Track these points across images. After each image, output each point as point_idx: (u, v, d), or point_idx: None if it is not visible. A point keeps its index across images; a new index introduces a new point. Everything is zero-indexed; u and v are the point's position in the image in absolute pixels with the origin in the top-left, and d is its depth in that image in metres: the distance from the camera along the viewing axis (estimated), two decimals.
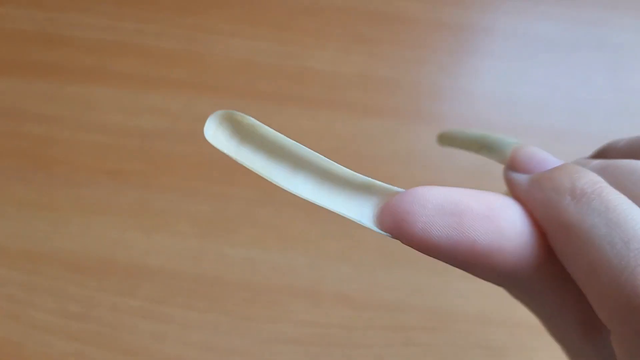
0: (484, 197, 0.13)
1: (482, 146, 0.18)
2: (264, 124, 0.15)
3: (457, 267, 0.13)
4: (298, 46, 0.40)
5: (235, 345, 0.30)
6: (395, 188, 0.14)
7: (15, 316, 0.31)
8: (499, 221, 0.13)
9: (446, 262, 0.13)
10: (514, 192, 0.15)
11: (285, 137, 0.14)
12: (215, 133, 0.14)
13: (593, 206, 0.12)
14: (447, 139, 0.20)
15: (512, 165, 0.15)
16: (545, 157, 0.15)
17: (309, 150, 0.14)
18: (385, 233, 0.13)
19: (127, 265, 0.32)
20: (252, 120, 0.14)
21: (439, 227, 0.13)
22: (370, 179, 0.14)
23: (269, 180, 0.14)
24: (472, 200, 0.13)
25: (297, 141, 0.15)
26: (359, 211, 0.14)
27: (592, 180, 0.13)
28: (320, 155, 0.14)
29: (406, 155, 0.36)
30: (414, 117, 0.38)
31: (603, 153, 0.17)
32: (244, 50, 0.40)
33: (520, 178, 0.15)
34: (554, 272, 0.13)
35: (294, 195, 0.14)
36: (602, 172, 0.14)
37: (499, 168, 0.16)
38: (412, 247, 0.13)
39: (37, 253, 0.33)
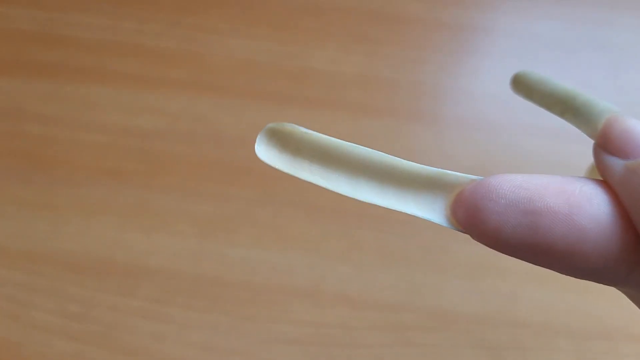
0: (565, 189, 0.12)
1: (567, 108, 0.15)
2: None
3: (536, 264, 0.12)
4: (298, 46, 0.40)
5: (235, 345, 0.30)
6: (469, 176, 0.12)
7: (15, 316, 0.31)
8: (581, 220, 0.11)
9: (525, 260, 0.12)
10: (605, 176, 0.13)
11: (338, 140, 0.13)
12: (267, 151, 0.13)
13: None
14: (524, 85, 0.17)
15: (604, 144, 0.13)
16: None
17: (367, 149, 0.13)
18: (459, 229, 0.12)
19: (127, 265, 0.32)
20: (301, 129, 0.13)
21: (512, 227, 0.11)
22: (439, 170, 0.13)
23: (333, 190, 0.13)
24: (550, 194, 0.11)
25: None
26: (431, 207, 0.13)
27: None
28: (380, 153, 0.13)
29: (406, 155, 0.36)
30: (414, 117, 0.38)
31: None
32: (243, 50, 0.40)
33: (614, 163, 0.13)
34: None
35: (347, 197, 0.13)
36: None
37: (505, 166, 0.15)
38: (484, 244, 0.12)
39: (37, 253, 0.33)
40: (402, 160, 0.13)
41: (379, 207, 0.13)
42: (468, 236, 0.12)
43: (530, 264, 0.34)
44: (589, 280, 0.12)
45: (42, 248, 0.33)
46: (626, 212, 0.12)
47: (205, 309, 0.31)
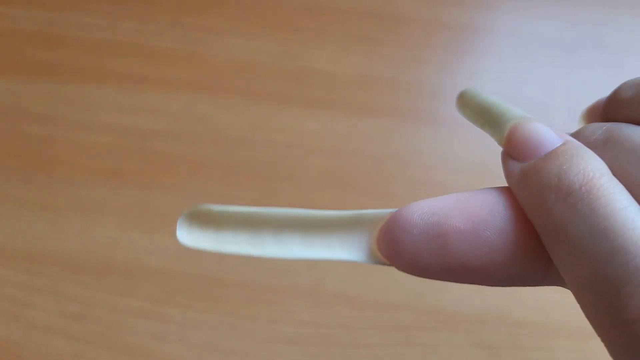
0: (469, 207, 0.12)
1: (485, 120, 0.15)
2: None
3: (458, 282, 0.12)
4: (298, 46, 0.40)
5: (235, 345, 0.30)
6: (387, 211, 0.13)
7: (16, 316, 0.31)
8: (486, 235, 0.12)
9: (450, 281, 0.12)
10: (509, 182, 0.13)
11: (255, 208, 0.14)
12: (189, 233, 0.13)
13: (578, 208, 0.11)
14: (463, 102, 0.17)
15: (507, 149, 0.13)
16: (543, 139, 0.13)
17: (286, 209, 0.14)
18: (385, 263, 0.13)
19: (127, 265, 0.32)
20: (217, 206, 0.14)
21: (427, 253, 0.12)
22: (358, 211, 0.13)
23: (260, 255, 0.13)
24: (456, 214, 0.12)
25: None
26: (357, 247, 0.13)
27: (584, 171, 0.11)
28: (299, 209, 0.14)
29: (406, 155, 0.36)
30: (414, 117, 0.38)
31: (612, 105, 0.14)
32: (243, 50, 0.40)
33: (513, 168, 0.13)
34: (554, 270, 0.12)
35: (287, 259, 0.14)
36: (604, 148, 0.12)
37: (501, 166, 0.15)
38: (408, 273, 0.12)
39: (37, 253, 0.33)
40: (321, 210, 0.13)
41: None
42: None
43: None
44: (515, 286, 0.13)
45: (43, 248, 0.33)
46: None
47: (205, 308, 0.31)
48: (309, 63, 0.40)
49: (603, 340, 0.11)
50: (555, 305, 0.31)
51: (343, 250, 0.13)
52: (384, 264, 0.13)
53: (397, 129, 0.37)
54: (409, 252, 0.12)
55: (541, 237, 0.12)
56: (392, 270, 0.33)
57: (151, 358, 0.30)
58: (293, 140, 0.36)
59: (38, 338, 0.30)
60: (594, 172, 0.11)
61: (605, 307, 0.10)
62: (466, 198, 0.12)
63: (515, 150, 0.13)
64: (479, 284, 0.12)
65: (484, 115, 0.15)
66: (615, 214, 0.11)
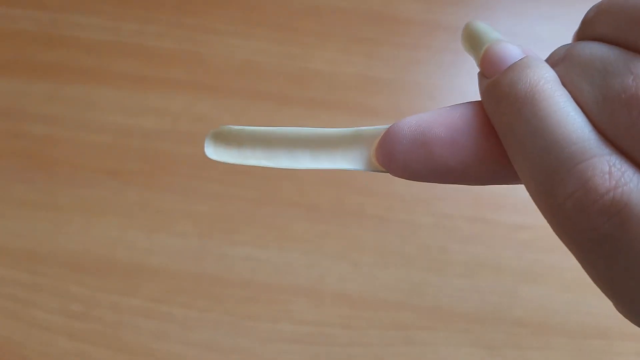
0: (449, 118, 0.14)
1: (470, 45, 0.17)
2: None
3: (447, 182, 0.14)
4: (298, 47, 0.40)
5: (235, 344, 0.30)
6: (380, 127, 0.15)
7: (17, 316, 0.31)
8: (462, 141, 0.14)
9: (440, 182, 0.14)
10: (481, 99, 0.15)
11: (269, 127, 0.16)
12: (216, 150, 0.16)
13: (522, 113, 0.13)
14: (464, 33, 0.18)
15: (481, 69, 0.15)
16: (506, 56, 0.14)
17: (296, 128, 0.16)
18: (382, 170, 0.15)
19: (128, 264, 0.32)
20: (236, 127, 0.16)
21: (416, 160, 0.14)
22: (356, 128, 0.16)
23: (276, 167, 0.16)
24: (437, 125, 0.14)
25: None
26: (358, 159, 0.15)
27: (531, 82, 0.13)
28: (307, 128, 0.16)
29: None
30: None
31: (581, 27, 0.15)
32: (244, 51, 0.40)
33: (482, 84, 0.15)
34: None
35: (303, 170, 0.16)
36: (561, 64, 0.14)
37: None
38: (401, 177, 0.15)
39: (39, 253, 0.33)
40: (327, 128, 0.16)
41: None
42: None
43: (527, 264, 0.34)
44: (492, 184, 0.15)
45: (44, 248, 0.33)
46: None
47: (206, 308, 0.31)
48: (309, 64, 0.40)
49: (546, 218, 0.13)
50: (555, 305, 0.31)
51: (346, 161, 0.15)
52: (380, 171, 0.15)
53: None
54: (401, 159, 0.14)
55: (502, 142, 0.14)
56: (392, 270, 0.33)
57: (152, 357, 0.30)
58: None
59: (39, 337, 0.31)
60: (538, 80, 0.13)
61: (542, 193, 0.12)
62: (447, 111, 0.14)
63: (484, 68, 0.15)
64: (461, 184, 0.14)
65: (470, 41, 0.17)
66: (552, 115, 0.12)
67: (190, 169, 0.35)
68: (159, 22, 0.41)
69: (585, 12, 0.15)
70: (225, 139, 0.16)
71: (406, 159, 0.14)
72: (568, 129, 0.12)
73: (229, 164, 0.16)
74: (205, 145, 0.16)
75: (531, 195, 0.13)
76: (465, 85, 0.39)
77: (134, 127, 0.37)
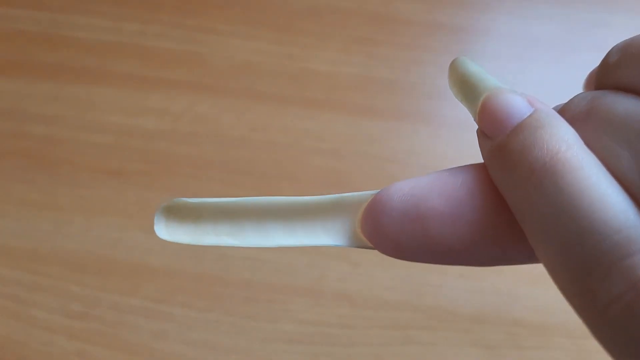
0: (448, 187, 0.11)
1: (463, 95, 0.14)
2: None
3: (444, 264, 0.12)
4: (298, 47, 0.40)
5: (235, 344, 0.31)
6: (366, 193, 0.13)
7: (18, 315, 0.31)
8: (465, 216, 0.11)
9: (436, 263, 0.12)
10: (484, 160, 0.12)
11: (234, 198, 0.13)
12: (167, 228, 0.13)
13: (543, 187, 0.10)
14: (450, 74, 0.16)
15: (480, 126, 0.12)
16: (510, 111, 0.11)
17: (263, 198, 0.13)
18: (368, 246, 0.12)
19: (129, 264, 0.32)
20: (193, 199, 0.13)
21: (408, 236, 0.12)
22: (337, 195, 0.13)
23: (242, 245, 0.13)
24: (434, 196, 0.11)
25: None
26: (340, 232, 0.13)
27: (550, 148, 0.10)
28: (279, 197, 0.13)
29: (405, 155, 0.36)
30: (414, 117, 0.38)
31: (602, 72, 0.13)
32: (244, 51, 0.40)
33: (484, 146, 0.12)
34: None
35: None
36: (587, 119, 0.11)
37: None
38: (390, 256, 0.12)
39: (40, 253, 0.33)
40: (302, 197, 0.13)
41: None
42: None
43: (528, 265, 0.34)
44: (501, 265, 0.12)
45: (45, 248, 0.33)
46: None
47: (206, 308, 0.31)
48: (310, 64, 0.40)
49: (581, 318, 0.10)
50: (555, 305, 0.31)
51: (326, 234, 0.13)
52: (367, 247, 0.13)
53: (397, 130, 0.37)
54: (391, 235, 0.12)
55: (517, 219, 0.11)
56: (392, 270, 0.34)
57: (152, 357, 0.30)
58: (293, 140, 0.36)
59: (40, 337, 0.31)
60: (559, 144, 0.10)
61: (578, 289, 0.10)
62: (445, 177, 0.12)
63: (485, 126, 0.12)
64: (463, 265, 0.12)
65: (462, 89, 0.14)
66: (583, 191, 0.10)
67: (190, 169, 0.36)
68: (159, 23, 0.41)
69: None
70: (179, 213, 0.13)
71: (397, 235, 0.12)
72: (607, 212, 0.09)
73: (183, 244, 0.13)
74: (155, 221, 0.13)
75: (561, 289, 0.10)
76: None
77: (135, 127, 0.37)
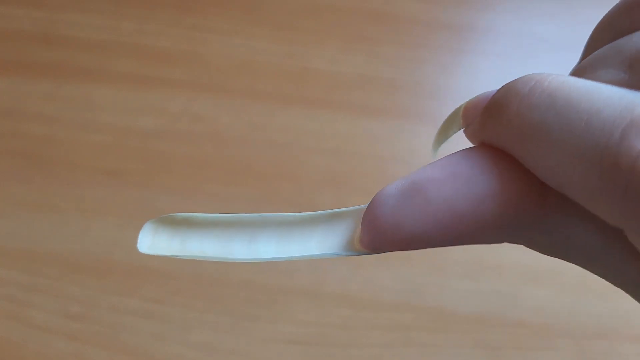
0: (443, 160, 0.12)
1: (447, 132, 0.15)
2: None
3: (456, 243, 0.11)
4: (298, 46, 0.40)
5: (235, 345, 0.30)
6: (362, 206, 0.12)
7: (15, 316, 0.31)
8: (468, 173, 0.11)
9: (445, 244, 0.11)
10: (474, 143, 0.13)
11: (222, 214, 0.13)
12: (153, 243, 0.13)
13: (536, 104, 0.10)
14: (436, 141, 0.17)
15: (465, 122, 0.14)
16: (488, 95, 0.13)
17: (256, 214, 0.13)
18: (369, 251, 0.12)
19: (127, 265, 0.32)
20: (182, 214, 0.13)
21: (409, 215, 0.11)
22: (334, 210, 0.13)
23: (229, 259, 0.12)
24: (429, 170, 0.11)
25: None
26: (337, 241, 0.12)
27: (526, 80, 0.11)
28: (273, 214, 0.13)
29: (406, 155, 0.36)
30: (414, 117, 0.38)
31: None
32: (243, 50, 0.40)
33: (472, 127, 0.13)
34: (552, 201, 0.11)
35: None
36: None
37: None
38: (401, 249, 0.12)
39: (37, 253, 0.33)
40: (296, 213, 0.13)
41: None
42: None
43: (529, 265, 0.34)
44: (517, 231, 0.12)
45: (43, 248, 0.33)
46: (504, 155, 0.11)
47: (206, 309, 0.31)
48: (309, 63, 0.40)
49: (607, 216, 0.10)
50: (557, 306, 0.31)
51: (320, 243, 0.12)
52: (365, 253, 0.12)
53: (397, 129, 0.37)
54: (390, 221, 0.11)
55: (522, 160, 0.11)
56: (393, 270, 0.33)
57: (151, 358, 0.30)
58: (293, 140, 0.36)
59: (38, 338, 0.30)
60: (541, 75, 0.11)
61: (596, 168, 0.09)
62: (440, 160, 0.12)
63: (469, 115, 0.13)
64: (478, 238, 0.11)
65: (443, 130, 0.15)
66: (573, 86, 0.10)
67: (189, 169, 0.35)
68: (158, 21, 0.41)
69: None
70: (168, 227, 0.13)
71: (397, 219, 0.11)
72: (606, 91, 0.10)
73: (169, 256, 0.13)
74: (141, 238, 0.13)
75: (576, 192, 0.10)
76: (467, 85, 0.39)
77: (133, 127, 0.37)
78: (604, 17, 0.13)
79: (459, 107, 0.14)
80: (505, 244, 0.33)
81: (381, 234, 0.11)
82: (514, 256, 0.33)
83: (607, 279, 0.12)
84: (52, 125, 0.37)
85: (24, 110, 0.38)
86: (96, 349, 0.30)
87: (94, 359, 0.30)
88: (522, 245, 0.34)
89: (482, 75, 0.40)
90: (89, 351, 0.30)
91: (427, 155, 0.36)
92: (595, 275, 0.22)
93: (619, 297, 0.31)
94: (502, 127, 0.11)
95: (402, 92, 0.39)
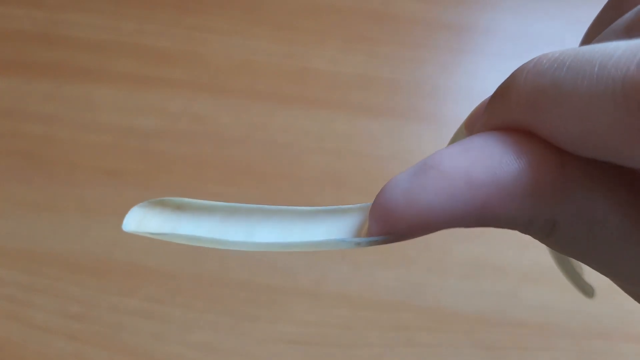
0: (453, 145, 0.11)
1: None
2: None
3: (473, 221, 0.11)
4: (298, 46, 0.40)
5: (235, 345, 0.30)
6: (369, 203, 0.12)
7: (15, 316, 0.31)
8: (481, 144, 0.11)
9: (463, 223, 0.11)
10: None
11: (220, 202, 0.12)
12: (142, 222, 0.12)
13: (543, 70, 0.10)
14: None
15: (469, 131, 0.13)
16: (486, 101, 0.13)
17: (256, 205, 0.12)
18: (379, 238, 0.11)
19: (127, 265, 0.32)
20: (180, 199, 0.12)
21: (424, 191, 0.11)
22: (339, 206, 0.12)
23: (224, 246, 0.11)
24: (440, 151, 0.11)
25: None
26: (343, 233, 0.12)
27: (529, 60, 0.11)
28: (270, 206, 0.12)
29: (406, 155, 0.36)
30: (414, 117, 0.38)
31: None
32: (243, 50, 0.40)
33: (478, 125, 0.13)
34: (571, 172, 0.11)
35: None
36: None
37: None
38: (416, 231, 0.11)
39: (37, 253, 0.33)
40: (300, 207, 0.12)
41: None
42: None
43: (529, 265, 0.34)
44: (531, 228, 0.11)
45: (43, 248, 0.33)
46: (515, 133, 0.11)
47: (206, 309, 0.31)
48: (309, 63, 0.40)
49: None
50: (557, 306, 0.31)
51: (326, 228, 0.12)
52: (372, 241, 0.11)
53: (397, 129, 0.37)
54: (403, 200, 0.11)
55: (539, 130, 0.11)
56: (393, 270, 0.33)
57: (151, 358, 0.30)
58: (293, 140, 0.36)
59: (38, 338, 0.30)
60: (548, 54, 0.11)
61: (624, 103, 0.09)
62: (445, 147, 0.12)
63: (473, 120, 0.13)
64: (495, 212, 0.11)
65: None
66: (581, 50, 0.10)
67: (189, 169, 0.35)
68: (158, 21, 0.41)
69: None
70: (160, 209, 0.12)
71: (411, 194, 0.11)
72: (613, 43, 0.10)
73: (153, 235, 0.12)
74: (128, 216, 0.12)
75: (604, 142, 0.10)
76: (467, 85, 0.39)
77: (133, 127, 0.37)
78: (597, 15, 0.13)
79: (461, 124, 0.14)
80: (505, 244, 0.33)
81: (394, 215, 0.11)
82: (514, 256, 0.33)
83: (627, 282, 0.12)
84: (52, 125, 0.37)
85: (24, 110, 0.38)
86: (96, 349, 0.30)
87: (94, 359, 0.30)
88: (523, 246, 0.34)
89: (482, 75, 0.40)
90: (89, 351, 0.30)
91: (426, 155, 0.36)
92: (595, 276, 0.22)
93: (619, 297, 0.31)
94: (511, 103, 0.11)
95: (402, 92, 0.39)
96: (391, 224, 0.11)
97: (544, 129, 0.11)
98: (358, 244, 0.11)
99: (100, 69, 0.39)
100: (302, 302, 0.31)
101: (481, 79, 0.40)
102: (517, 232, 0.12)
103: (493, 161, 0.10)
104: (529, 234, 0.12)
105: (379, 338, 0.31)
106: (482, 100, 0.14)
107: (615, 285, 0.13)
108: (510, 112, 0.11)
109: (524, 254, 0.33)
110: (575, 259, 0.12)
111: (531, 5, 0.43)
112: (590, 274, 0.21)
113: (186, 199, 0.12)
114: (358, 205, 0.12)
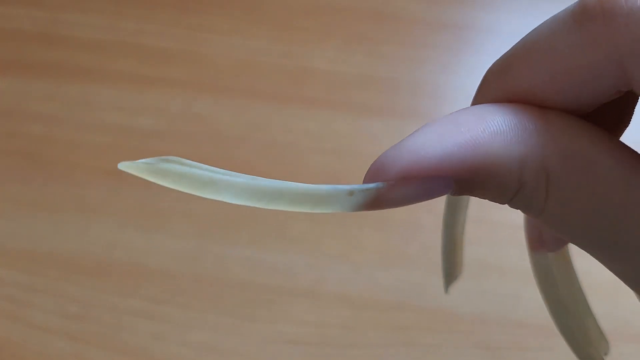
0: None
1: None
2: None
3: (465, 172, 0.11)
4: (298, 46, 0.40)
5: (235, 345, 0.30)
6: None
7: (15, 316, 0.31)
8: (471, 108, 0.12)
9: (452, 172, 0.11)
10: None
11: (220, 169, 0.12)
12: (137, 163, 0.12)
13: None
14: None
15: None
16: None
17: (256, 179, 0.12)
18: (373, 186, 0.11)
19: (127, 265, 0.32)
20: (180, 159, 0.12)
21: (413, 136, 0.11)
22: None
23: (212, 195, 0.12)
24: (450, 114, 0.12)
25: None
26: (335, 201, 0.11)
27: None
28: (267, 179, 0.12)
29: None
30: (414, 117, 0.38)
31: None
32: (243, 50, 0.40)
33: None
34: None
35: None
36: None
37: None
38: (408, 177, 0.11)
39: (36, 253, 0.33)
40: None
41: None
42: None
43: (528, 265, 0.34)
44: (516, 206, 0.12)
45: (42, 248, 0.33)
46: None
47: (205, 309, 0.31)
48: (310, 63, 0.40)
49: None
50: None
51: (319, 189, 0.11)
52: (367, 202, 0.11)
53: (397, 129, 0.37)
54: (393, 150, 0.11)
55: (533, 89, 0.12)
56: (393, 270, 0.33)
57: (151, 358, 0.30)
58: (293, 140, 0.36)
59: (37, 338, 0.30)
60: None
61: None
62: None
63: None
64: (490, 171, 0.11)
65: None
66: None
67: None
68: (158, 21, 0.41)
69: None
70: (162, 161, 0.12)
71: (401, 142, 0.11)
72: None
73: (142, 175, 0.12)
74: (124, 163, 0.12)
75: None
76: (468, 85, 0.39)
77: (133, 127, 0.37)
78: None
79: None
80: (506, 245, 0.33)
81: (386, 160, 0.11)
82: (515, 256, 0.33)
83: (623, 253, 0.12)
84: (52, 125, 0.37)
85: (24, 110, 0.38)
86: (96, 349, 0.30)
87: (94, 359, 0.30)
88: (524, 246, 0.34)
89: (482, 75, 0.40)
90: (89, 351, 0.30)
91: None
92: (595, 276, 0.22)
93: (619, 297, 0.31)
94: (490, 83, 0.13)
95: (403, 91, 0.39)
96: (384, 170, 0.11)
97: (523, 84, 0.12)
98: (351, 192, 0.11)
99: (100, 69, 0.39)
100: (301, 302, 0.31)
101: (481, 78, 0.39)
102: (517, 233, 0.11)
103: (481, 109, 0.11)
104: (522, 201, 0.12)
105: (379, 338, 0.31)
106: None
107: (615, 286, 0.13)
108: (490, 91, 0.13)
109: (525, 254, 0.33)
110: (570, 231, 0.12)
111: (531, 5, 0.43)
112: (590, 274, 0.21)
113: (188, 160, 0.12)
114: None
